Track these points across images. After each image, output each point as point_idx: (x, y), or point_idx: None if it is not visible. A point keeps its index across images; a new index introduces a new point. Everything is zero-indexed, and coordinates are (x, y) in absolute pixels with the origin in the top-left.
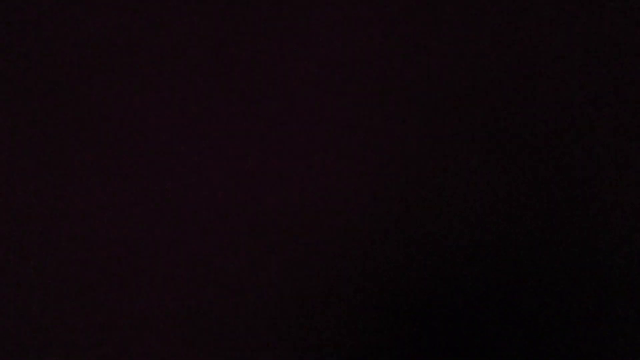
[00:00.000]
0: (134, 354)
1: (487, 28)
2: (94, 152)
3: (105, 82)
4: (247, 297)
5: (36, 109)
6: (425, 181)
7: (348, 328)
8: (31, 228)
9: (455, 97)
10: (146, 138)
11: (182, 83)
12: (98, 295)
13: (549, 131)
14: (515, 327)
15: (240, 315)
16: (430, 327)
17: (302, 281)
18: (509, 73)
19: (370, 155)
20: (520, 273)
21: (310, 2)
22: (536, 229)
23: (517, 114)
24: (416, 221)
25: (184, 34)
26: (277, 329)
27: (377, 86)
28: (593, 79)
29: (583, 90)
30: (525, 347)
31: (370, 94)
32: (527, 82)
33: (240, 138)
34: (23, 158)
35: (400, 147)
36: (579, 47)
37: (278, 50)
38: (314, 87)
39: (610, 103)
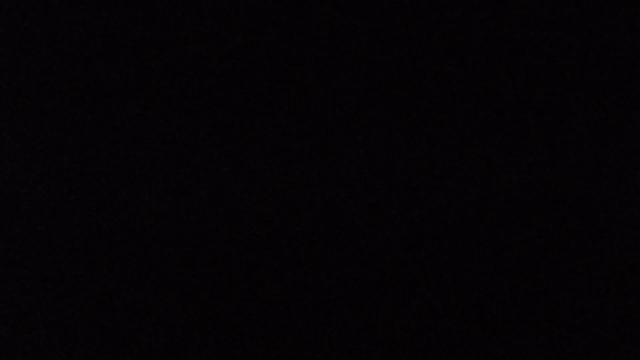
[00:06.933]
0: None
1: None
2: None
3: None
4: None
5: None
6: (425, 180)
7: (348, 328)
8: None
9: (456, 96)
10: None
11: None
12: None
13: (551, 129)
14: (515, 327)
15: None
16: (430, 327)
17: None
18: (508, 72)
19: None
20: (519, 273)
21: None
22: (536, 229)
23: (517, 112)
24: (416, 220)
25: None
26: (277, 328)
27: (377, 85)
28: (592, 79)
29: (582, 88)
30: (525, 348)
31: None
32: (526, 81)
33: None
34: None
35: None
36: (577, 47)
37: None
38: (313, 86)
39: (609, 102)
